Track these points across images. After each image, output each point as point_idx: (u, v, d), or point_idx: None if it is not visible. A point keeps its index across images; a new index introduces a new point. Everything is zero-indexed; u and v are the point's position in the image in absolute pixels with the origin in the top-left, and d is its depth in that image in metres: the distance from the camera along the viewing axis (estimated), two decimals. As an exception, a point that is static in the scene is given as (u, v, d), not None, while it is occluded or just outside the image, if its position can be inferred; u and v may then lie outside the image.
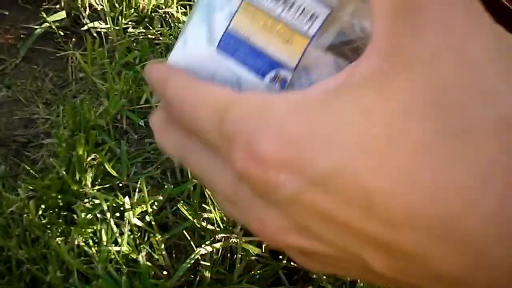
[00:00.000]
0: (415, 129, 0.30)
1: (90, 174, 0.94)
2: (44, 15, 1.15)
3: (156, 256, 0.87)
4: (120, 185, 0.96)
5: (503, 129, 0.30)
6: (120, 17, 1.12)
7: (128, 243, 0.87)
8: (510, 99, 0.30)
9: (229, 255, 0.87)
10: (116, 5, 1.14)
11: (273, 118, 0.33)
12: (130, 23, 1.13)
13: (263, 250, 0.86)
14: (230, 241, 0.86)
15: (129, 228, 0.87)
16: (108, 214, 0.88)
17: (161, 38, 1.10)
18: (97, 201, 0.91)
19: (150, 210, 0.89)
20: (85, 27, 1.14)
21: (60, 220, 0.90)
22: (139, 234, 0.88)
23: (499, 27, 0.32)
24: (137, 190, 0.92)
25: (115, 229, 0.87)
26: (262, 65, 0.39)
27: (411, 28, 0.32)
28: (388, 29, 0.32)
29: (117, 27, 1.11)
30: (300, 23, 0.38)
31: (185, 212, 0.89)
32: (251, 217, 0.35)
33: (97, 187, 0.94)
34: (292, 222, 0.34)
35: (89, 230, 0.88)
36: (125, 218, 0.88)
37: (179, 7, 1.14)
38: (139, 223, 0.88)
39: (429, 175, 0.30)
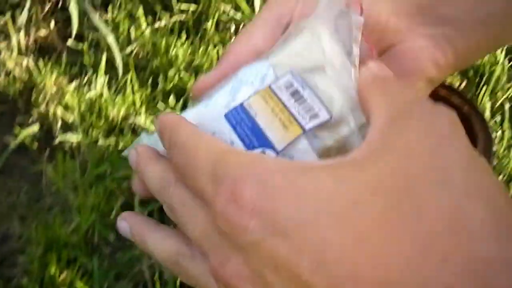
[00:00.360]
0: (377, 204, 0.36)
1: (63, 292, 0.97)
2: (19, 129, 1.18)
3: None
4: (93, 300, 0.99)
5: (452, 216, 0.36)
6: (90, 129, 1.16)
7: None
8: (463, 191, 0.36)
9: None
10: (87, 116, 1.18)
11: (261, 172, 0.39)
12: (101, 134, 1.17)
13: None
14: None
15: None
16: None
17: (131, 148, 1.14)
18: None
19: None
20: (58, 140, 1.18)
21: None
22: None
23: (479, 156, 0.39)
24: (108, 307, 0.95)
25: None
26: (254, 140, 0.46)
27: (399, 132, 0.39)
28: (380, 133, 0.39)
29: (88, 139, 1.15)
30: (302, 117, 0.45)
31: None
32: (214, 257, 0.40)
33: (70, 305, 0.97)
34: (250, 270, 0.39)
35: None
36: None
37: (147, 115, 1.19)
38: None
39: (378, 243, 0.36)
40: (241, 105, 0.47)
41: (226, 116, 0.47)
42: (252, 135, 0.46)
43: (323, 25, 0.49)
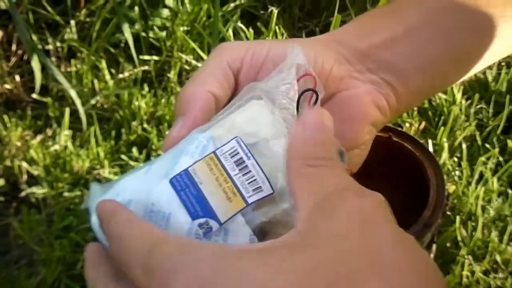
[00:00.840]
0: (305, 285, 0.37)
1: None
2: (-16, 184, 1.19)
3: None
4: None
5: None
6: (55, 182, 1.18)
7: None
8: (396, 272, 0.38)
9: None
10: (52, 169, 1.19)
11: (192, 262, 0.40)
12: (66, 186, 1.18)
13: None
14: None
15: None
16: None
17: (96, 199, 1.15)
18: None
19: None
20: (23, 193, 1.19)
21: None
22: None
23: (406, 235, 0.41)
24: None
25: None
26: (198, 210, 0.46)
27: (326, 219, 0.40)
28: (309, 220, 0.41)
29: (53, 192, 1.17)
30: (245, 190, 0.46)
31: None
32: None
33: None
34: None
35: None
36: None
37: (111, 168, 1.20)
38: None
39: None
40: (186, 170, 0.47)
41: (171, 181, 0.47)
42: (197, 203, 0.46)
43: (270, 96, 0.50)
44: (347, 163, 0.51)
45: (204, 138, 0.49)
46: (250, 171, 0.47)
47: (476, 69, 0.66)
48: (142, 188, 0.48)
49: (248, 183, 0.47)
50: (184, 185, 0.47)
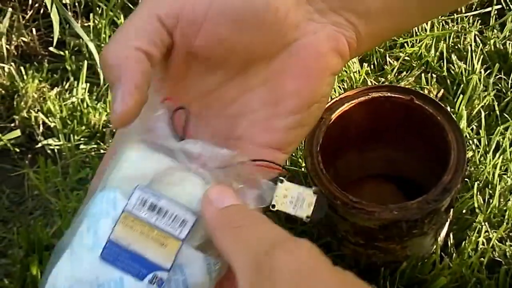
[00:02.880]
0: None
1: (45, 294, 0.98)
2: (0, 134, 1.19)
3: None
4: (74, 302, 1.00)
5: None
6: (72, 134, 1.17)
7: None
8: None
9: None
10: (69, 121, 1.19)
11: None
12: (82, 139, 1.18)
13: None
14: None
15: None
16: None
17: (112, 153, 1.15)
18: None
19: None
20: (39, 144, 1.19)
21: None
22: None
23: (345, 273, 0.43)
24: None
25: None
26: (141, 269, 0.46)
27: (266, 279, 0.41)
28: (248, 279, 0.42)
29: (69, 144, 1.16)
30: (173, 228, 0.46)
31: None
32: None
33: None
34: None
35: None
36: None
37: (129, 122, 1.20)
38: None
39: None
40: (110, 241, 0.46)
41: (102, 257, 0.46)
42: (136, 264, 0.46)
43: (140, 135, 0.49)
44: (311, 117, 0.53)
45: (109, 192, 0.47)
46: (167, 210, 0.47)
47: (441, 13, 0.63)
48: (77, 271, 0.47)
49: (172, 222, 0.47)
50: (115, 254, 0.46)
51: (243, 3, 0.51)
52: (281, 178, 0.51)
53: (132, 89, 0.47)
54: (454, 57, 1.30)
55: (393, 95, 0.99)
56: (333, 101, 0.97)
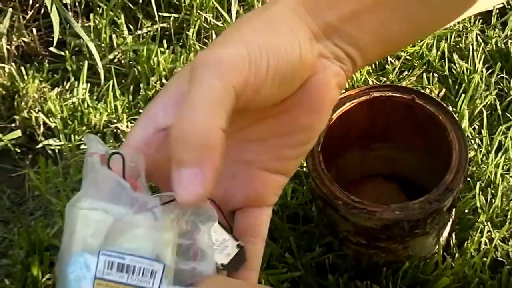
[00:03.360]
0: None
1: (45, 295, 0.98)
2: (0, 135, 1.19)
3: None
4: (75, 303, 0.99)
5: None
6: (73, 134, 1.17)
7: None
8: None
9: None
10: (69, 122, 1.19)
11: None
12: (83, 139, 1.17)
13: None
14: None
15: None
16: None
17: (113, 153, 1.15)
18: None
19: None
20: (40, 145, 1.18)
21: None
22: None
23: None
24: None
25: None
26: None
27: None
28: None
29: (70, 144, 1.16)
30: (145, 281, 0.46)
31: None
32: None
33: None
34: None
35: None
36: None
37: (129, 122, 1.19)
38: None
39: None
40: None
41: None
42: None
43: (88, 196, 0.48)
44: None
45: (78, 257, 0.48)
46: (134, 266, 0.47)
47: (428, 34, 0.66)
48: None
49: (143, 276, 0.47)
50: None
51: (287, 63, 0.52)
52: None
53: (213, 175, 0.46)
54: (455, 56, 1.30)
55: (394, 94, 0.98)
56: (334, 101, 0.97)
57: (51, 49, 1.34)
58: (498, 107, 1.21)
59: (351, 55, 0.58)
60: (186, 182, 0.45)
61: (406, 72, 1.29)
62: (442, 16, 0.64)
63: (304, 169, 1.11)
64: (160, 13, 1.35)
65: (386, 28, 0.59)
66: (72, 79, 1.27)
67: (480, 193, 1.08)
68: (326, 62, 0.57)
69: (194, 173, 0.45)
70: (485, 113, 1.19)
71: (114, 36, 1.32)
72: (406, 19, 0.60)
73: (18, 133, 1.21)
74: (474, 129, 1.19)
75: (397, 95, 0.98)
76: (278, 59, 0.51)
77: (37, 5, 1.40)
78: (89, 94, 1.24)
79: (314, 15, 0.56)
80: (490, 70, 1.28)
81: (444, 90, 1.26)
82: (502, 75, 1.27)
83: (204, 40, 1.34)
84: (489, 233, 1.04)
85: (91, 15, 1.35)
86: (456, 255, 1.03)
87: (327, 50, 0.57)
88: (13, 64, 1.31)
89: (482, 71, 1.26)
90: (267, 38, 0.52)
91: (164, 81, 1.24)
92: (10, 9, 1.34)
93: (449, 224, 1.00)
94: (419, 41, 1.32)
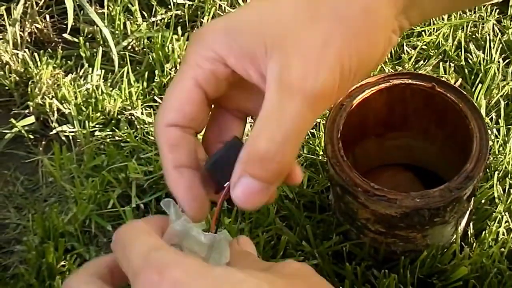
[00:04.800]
0: None
1: (60, 281, 0.97)
2: (14, 121, 1.18)
3: None
4: (90, 289, 0.99)
5: None
6: (87, 121, 1.16)
7: None
8: None
9: None
10: (83, 108, 1.18)
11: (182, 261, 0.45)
12: (97, 126, 1.17)
13: None
14: None
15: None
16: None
17: (127, 140, 1.14)
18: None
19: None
20: (54, 131, 1.17)
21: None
22: None
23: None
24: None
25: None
26: None
27: None
28: None
29: (84, 131, 1.15)
30: None
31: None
32: None
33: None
34: None
35: None
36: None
37: (144, 109, 1.18)
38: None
39: None
40: None
41: None
42: None
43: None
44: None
45: None
46: None
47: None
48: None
49: None
50: None
51: (369, 66, 0.54)
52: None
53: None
54: (472, 46, 1.29)
55: (414, 82, 0.97)
56: (353, 88, 0.96)
57: (65, 35, 1.33)
58: (515, 97, 1.20)
59: (413, 22, 0.57)
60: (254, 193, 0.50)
61: (422, 62, 1.28)
62: None
63: (321, 157, 1.10)
64: (174, 0, 1.34)
65: None
66: (86, 65, 1.27)
67: (498, 183, 1.07)
68: (393, 37, 0.56)
69: (265, 188, 0.50)
70: (502, 103, 1.18)
71: (128, 23, 1.31)
72: None
73: (31, 119, 1.21)
74: (491, 119, 1.18)
75: (417, 82, 0.97)
76: (363, 70, 0.53)
77: (50, -9, 1.39)
78: (103, 80, 1.23)
79: None
80: (507, 61, 1.27)
81: (460, 80, 1.25)
82: (519, 65, 1.26)
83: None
84: (507, 223, 1.03)
85: (105, 1, 1.34)
86: (474, 245, 1.02)
87: (397, 26, 0.56)
88: (26, 50, 1.30)
89: (498, 62, 1.25)
90: (360, 49, 0.51)
91: (178, 67, 1.23)
92: (24, -5, 1.33)
93: (467, 213, 0.99)
94: (435, 30, 1.30)
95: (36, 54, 1.27)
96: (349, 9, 0.51)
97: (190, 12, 1.36)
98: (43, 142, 1.19)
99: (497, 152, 1.12)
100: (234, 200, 0.50)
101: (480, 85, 1.20)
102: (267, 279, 0.44)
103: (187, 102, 0.52)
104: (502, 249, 1.01)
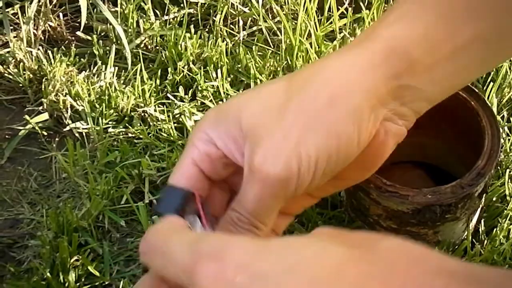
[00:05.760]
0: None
1: (73, 275, 0.98)
2: (27, 117, 1.19)
3: None
4: (104, 284, 1.00)
5: None
6: (100, 117, 1.17)
7: None
8: None
9: None
10: (97, 105, 1.19)
11: (238, 241, 0.43)
12: (110, 123, 1.18)
13: None
14: None
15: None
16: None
17: (140, 137, 1.15)
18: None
19: (132, 310, 0.93)
20: (67, 128, 1.18)
21: (45, 323, 0.94)
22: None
23: None
24: (120, 289, 0.96)
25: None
26: None
27: None
28: None
29: (97, 127, 1.16)
30: None
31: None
32: None
33: (81, 288, 0.98)
34: None
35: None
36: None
37: (157, 106, 1.19)
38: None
39: None
40: None
41: None
42: None
43: None
44: None
45: None
46: None
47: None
48: None
49: None
50: None
51: (340, 161, 0.57)
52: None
53: None
54: (483, 45, 1.29)
55: (426, 79, 0.98)
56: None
57: (78, 33, 1.34)
58: (527, 96, 1.21)
59: (416, 110, 0.61)
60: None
61: (433, 60, 1.28)
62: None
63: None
64: (187, -1, 1.35)
65: (458, 75, 0.62)
66: (99, 63, 1.27)
67: (509, 181, 1.07)
68: (389, 125, 0.60)
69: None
70: (514, 102, 1.18)
71: (141, 21, 1.32)
72: (483, 64, 0.65)
73: (45, 116, 1.22)
74: (502, 117, 1.18)
75: (429, 80, 0.97)
76: (330, 160, 0.57)
77: (63, -10, 1.40)
78: (116, 78, 1.24)
79: (391, 78, 0.58)
80: (518, 59, 1.27)
81: (471, 78, 1.25)
82: (530, 64, 1.26)
83: (231, 26, 1.34)
84: (519, 221, 1.04)
85: (118, 0, 1.35)
86: (485, 242, 1.02)
87: (392, 113, 0.60)
88: (40, 48, 1.31)
89: (510, 60, 1.25)
90: (317, 141, 0.56)
91: (191, 65, 1.24)
92: (38, -6, 1.34)
93: (478, 211, 0.99)
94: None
95: (49, 52, 1.28)
96: (315, 100, 0.56)
97: (203, 10, 1.36)
98: (57, 139, 1.20)
99: (508, 150, 1.13)
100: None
101: (491, 83, 1.20)
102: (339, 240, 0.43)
103: (187, 177, 0.59)
104: (513, 246, 1.02)
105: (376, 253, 0.41)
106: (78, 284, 0.99)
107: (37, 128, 1.20)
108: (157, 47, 1.31)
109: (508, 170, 1.08)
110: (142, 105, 1.20)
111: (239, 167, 0.59)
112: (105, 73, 1.24)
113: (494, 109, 1.17)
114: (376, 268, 0.40)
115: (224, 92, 1.20)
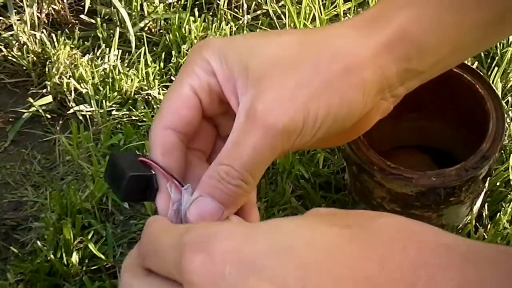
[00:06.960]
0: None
1: (77, 257, 0.98)
2: (31, 100, 1.19)
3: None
4: (107, 266, 1.00)
5: None
6: (104, 100, 1.17)
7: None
8: None
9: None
10: (100, 88, 1.19)
11: (226, 228, 0.43)
12: (114, 105, 1.17)
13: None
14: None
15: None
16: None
17: (144, 120, 1.15)
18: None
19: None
20: (71, 110, 1.18)
21: (49, 304, 0.94)
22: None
23: None
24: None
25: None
26: None
27: None
28: None
29: (101, 110, 1.16)
30: None
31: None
32: None
33: (84, 270, 0.98)
34: None
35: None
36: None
37: (160, 89, 1.19)
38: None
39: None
40: None
41: None
42: None
43: None
44: None
45: None
46: None
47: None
48: None
49: None
50: None
51: (341, 123, 0.57)
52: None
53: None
54: (488, 29, 1.28)
55: (430, 62, 0.97)
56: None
57: (82, 16, 1.34)
58: (532, 81, 1.20)
59: (409, 88, 0.62)
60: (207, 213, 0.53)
61: (438, 45, 1.27)
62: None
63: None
64: (191, -18, 1.35)
65: (458, 56, 0.65)
66: (103, 46, 1.27)
67: (513, 166, 1.07)
68: (382, 104, 0.61)
69: (219, 210, 0.53)
70: (518, 87, 1.18)
71: (145, 4, 1.32)
72: (482, 45, 0.69)
73: (49, 98, 1.21)
74: (507, 102, 1.18)
75: (434, 63, 0.97)
76: (332, 125, 0.57)
77: (67, -27, 1.40)
78: (120, 61, 1.24)
79: (402, 61, 0.59)
80: (523, 45, 1.27)
81: (476, 63, 1.25)
82: (535, 49, 1.26)
83: (235, 9, 1.33)
84: (523, 206, 1.03)
85: (122, -18, 1.34)
86: (489, 226, 1.02)
87: (390, 94, 0.61)
88: (43, 31, 1.31)
89: (515, 46, 1.25)
90: (330, 104, 0.56)
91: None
92: (41, -24, 1.34)
93: (482, 195, 0.99)
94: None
95: (53, 35, 1.28)
96: (330, 64, 0.56)
97: (207, -6, 1.36)
98: (60, 122, 1.20)
99: (512, 136, 1.12)
100: (188, 216, 0.53)
101: (496, 68, 1.20)
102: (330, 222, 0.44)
103: (184, 106, 0.56)
104: (517, 231, 1.02)
105: (371, 231, 0.42)
106: (81, 266, 0.99)
107: (40, 111, 1.20)
108: (161, 31, 1.30)
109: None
110: (146, 88, 1.20)
111: (230, 108, 0.57)
112: (109, 56, 1.24)
113: (499, 95, 1.16)
114: (371, 247, 0.40)
115: (228, 76, 1.20)
